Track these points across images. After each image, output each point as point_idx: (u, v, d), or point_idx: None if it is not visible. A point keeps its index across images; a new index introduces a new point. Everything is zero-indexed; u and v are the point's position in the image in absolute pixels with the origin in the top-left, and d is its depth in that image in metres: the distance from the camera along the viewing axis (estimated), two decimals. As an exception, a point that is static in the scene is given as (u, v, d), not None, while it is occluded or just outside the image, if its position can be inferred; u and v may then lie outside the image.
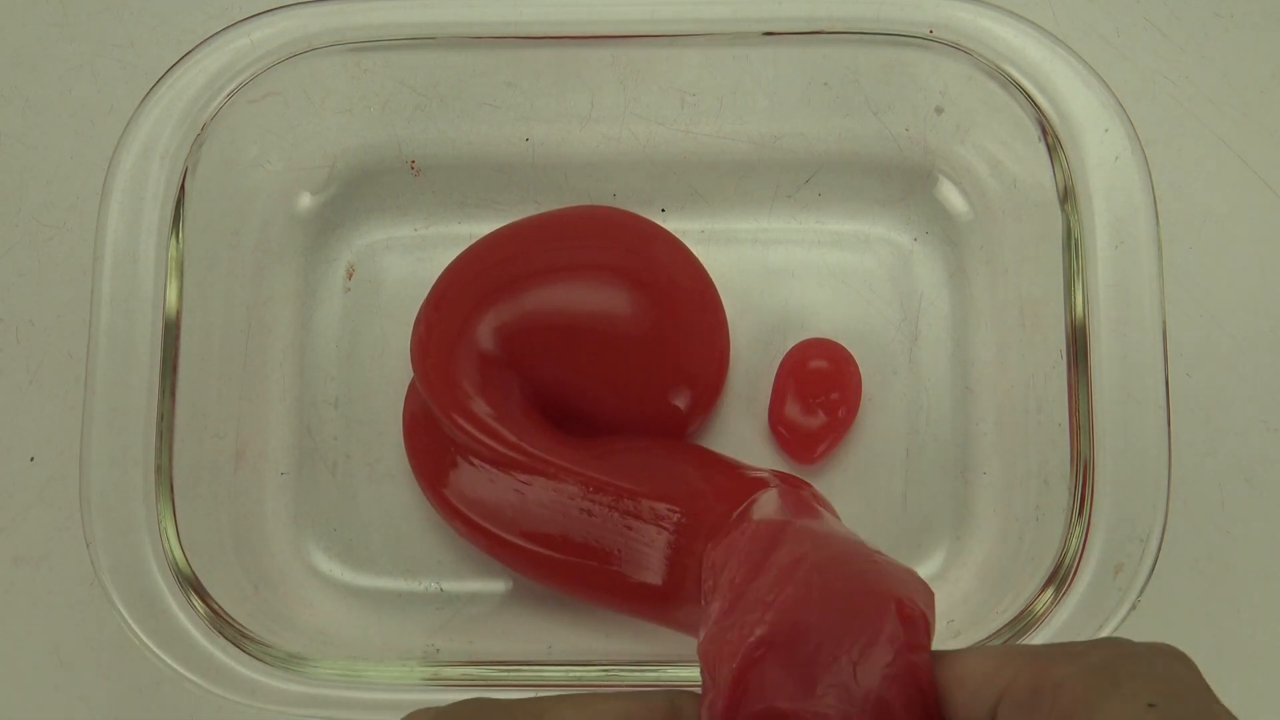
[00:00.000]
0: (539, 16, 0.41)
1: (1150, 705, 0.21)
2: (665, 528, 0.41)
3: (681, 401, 0.44)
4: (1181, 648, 0.24)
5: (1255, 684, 0.44)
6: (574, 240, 0.45)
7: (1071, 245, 0.40)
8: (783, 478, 0.42)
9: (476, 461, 0.42)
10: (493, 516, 0.42)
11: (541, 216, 0.46)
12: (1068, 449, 0.39)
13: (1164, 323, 0.39)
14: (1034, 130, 0.41)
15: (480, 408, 0.42)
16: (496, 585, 0.45)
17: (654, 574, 0.41)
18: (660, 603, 0.41)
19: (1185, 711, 0.21)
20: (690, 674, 0.39)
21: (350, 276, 0.47)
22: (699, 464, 0.43)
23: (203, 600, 0.39)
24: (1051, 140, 0.40)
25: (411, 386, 0.45)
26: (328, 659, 0.39)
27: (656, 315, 0.44)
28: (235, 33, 0.41)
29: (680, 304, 0.44)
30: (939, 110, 0.44)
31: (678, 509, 0.41)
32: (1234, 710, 0.22)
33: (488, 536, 0.42)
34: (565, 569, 0.42)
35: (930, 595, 0.28)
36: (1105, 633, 0.38)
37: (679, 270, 0.45)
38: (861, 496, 0.45)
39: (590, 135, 0.46)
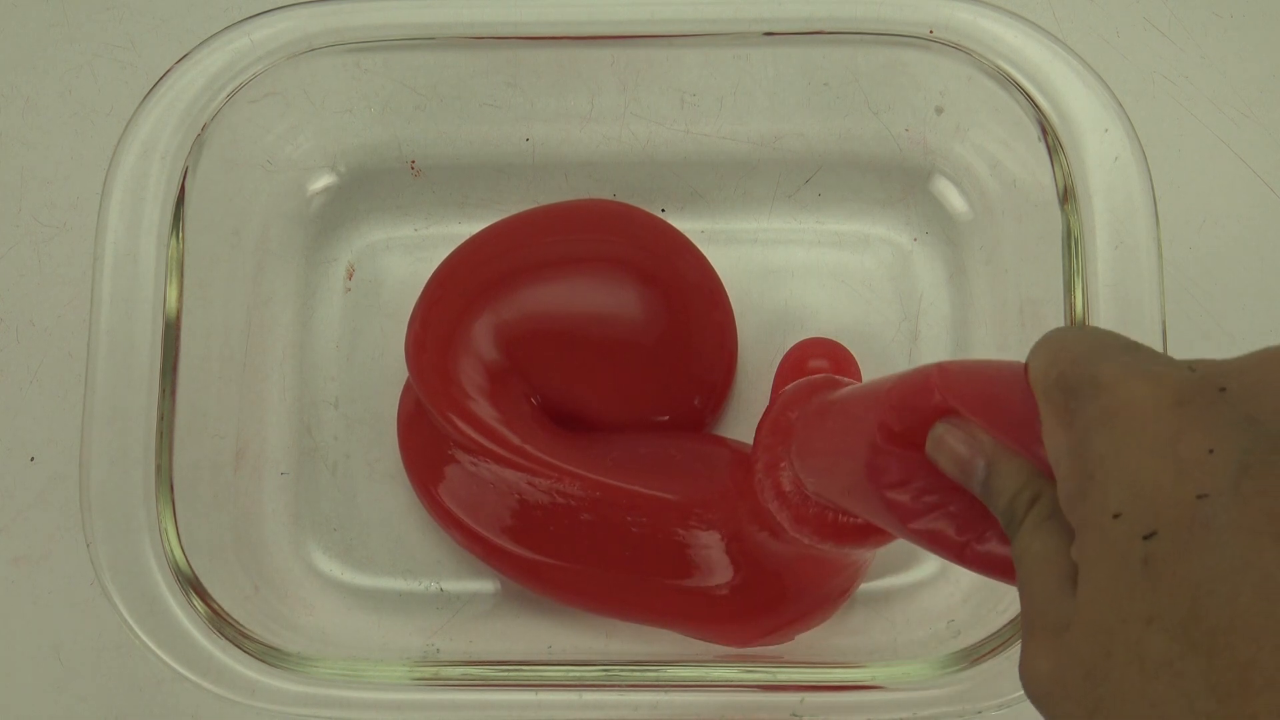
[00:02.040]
0: (539, 16, 0.41)
1: (1115, 516, 0.21)
2: (698, 529, 0.41)
3: (690, 403, 0.44)
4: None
5: (1255, 684, 0.44)
6: (576, 233, 0.45)
7: (1071, 245, 0.40)
8: None
9: (475, 465, 0.42)
10: (490, 521, 0.42)
11: (541, 209, 0.46)
12: (1068, 449, 0.39)
13: (1164, 323, 0.39)
14: (1034, 130, 0.41)
15: (480, 407, 0.42)
16: (496, 585, 0.45)
17: (695, 578, 0.41)
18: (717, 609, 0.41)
19: (1147, 521, 0.21)
20: (690, 674, 0.39)
21: (350, 276, 0.47)
22: (720, 457, 0.43)
23: (203, 600, 0.39)
24: (1051, 140, 0.40)
25: (407, 385, 0.45)
26: (328, 659, 0.39)
27: (666, 312, 0.43)
28: (235, 33, 0.41)
29: (690, 300, 0.44)
30: (939, 110, 0.44)
31: (710, 512, 0.41)
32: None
33: (484, 543, 0.42)
34: (570, 576, 0.42)
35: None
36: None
37: (687, 265, 0.45)
38: (861, 496, 0.45)
39: (590, 135, 0.46)
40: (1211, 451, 0.21)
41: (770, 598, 0.41)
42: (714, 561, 0.41)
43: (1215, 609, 0.19)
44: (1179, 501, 0.21)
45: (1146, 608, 0.20)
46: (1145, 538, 0.21)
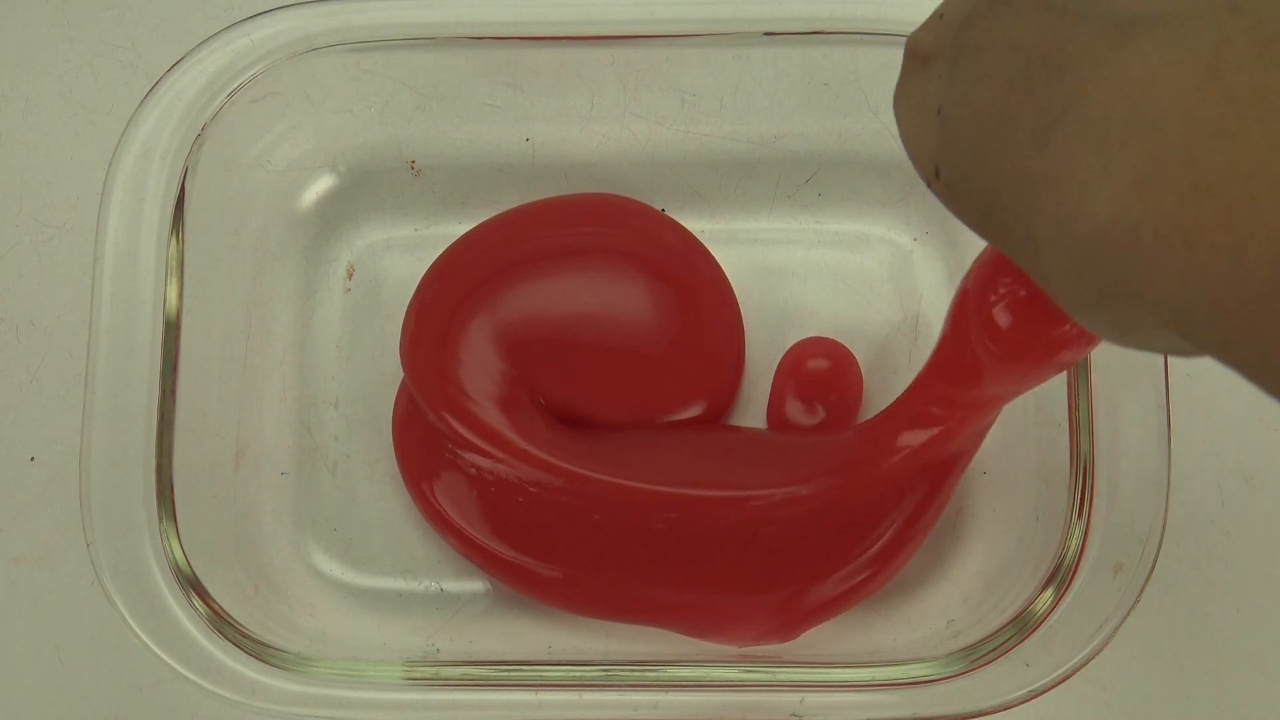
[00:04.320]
0: (539, 16, 0.41)
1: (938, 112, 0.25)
2: (762, 516, 0.40)
3: (697, 405, 0.44)
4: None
5: (1255, 684, 0.44)
6: (580, 225, 0.44)
7: (1071, 245, 0.40)
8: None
9: (476, 468, 0.42)
10: (489, 527, 0.41)
11: (542, 202, 0.45)
12: (1067, 449, 0.39)
13: (1164, 323, 0.39)
14: (1034, 130, 0.41)
15: (479, 406, 0.41)
16: (497, 585, 0.44)
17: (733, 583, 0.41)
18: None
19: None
20: (690, 674, 0.39)
21: (350, 276, 0.47)
22: (763, 445, 0.42)
23: (203, 600, 0.39)
24: (1051, 140, 0.40)
25: (403, 385, 0.44)
26: (328, 659, 0.39)
27: (677, 309, 0.43)
28: (235, 33, 0.41)
29: (700, 297, 0.43)
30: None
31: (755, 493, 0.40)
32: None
33: (480, 549, 0.42)
34: (579, 582, 0.41)
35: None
36: (1104, 634, 0.38)
37: (696, 261, 0.44)
38: (861, 496, 0.45)
39: (590, 135, 0.46)
40: None
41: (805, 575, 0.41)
42: (775, 543, 0.40)
43: None
44: None
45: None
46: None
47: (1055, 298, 0.22)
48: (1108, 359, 0.39)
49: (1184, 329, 0.18)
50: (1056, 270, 0.20)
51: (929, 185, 0.25)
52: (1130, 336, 0.21)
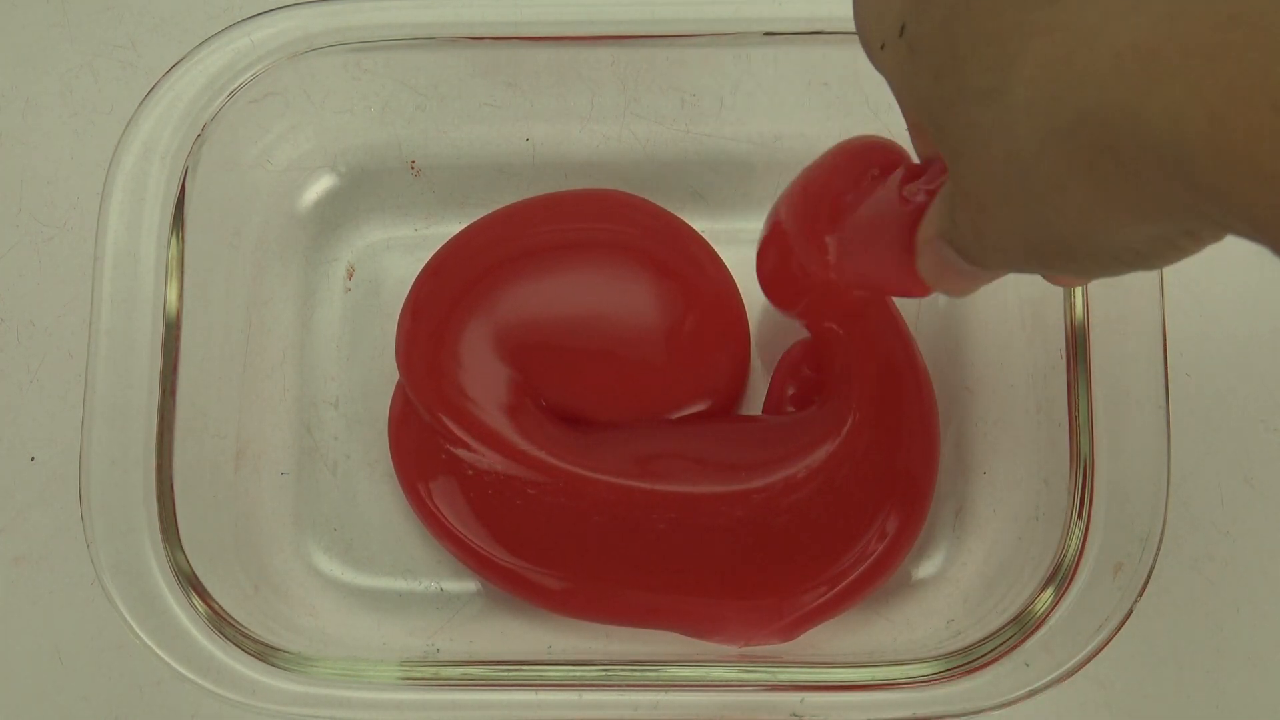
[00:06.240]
0: (539, 16, 0.41)
1: (881, 47, 0.26)
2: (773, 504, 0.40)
3: (703, 403, 0.43)
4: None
5: (1255, 684, 0.44)
6: (584, 221, 0.44)
7: (1071, 245, 0.40)
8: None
9: (472, 469, 0.41)
10: (485, 530, 0.41)
11: (544, 197, 0.45)
12: (1067, 449, 0.39)
13: (1164, 323, 0.39)
14: (1034, 130, 0.41)
15: (475, 405, 0.41)
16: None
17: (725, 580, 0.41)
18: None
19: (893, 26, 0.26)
20: (690, 673, 0.39)
21: (350, 276, 0.47)
22: (752, 439, 0.42)
23: (203, 600, 0.39)
24: (1051, 140, 0.40)
25: (399, 384, 0.44)
26: (328, 659, 0.39)
27: (684, 307, 0.42)
28: (235, 33, 0.41)
29: (705, 297, 0.43)
30: None
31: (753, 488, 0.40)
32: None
33: (476, 554, 0.41)
34: (581, 588, 0.41)
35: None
36: (1104, 634, 0.38)
37: (702, 259, 0.44)
38: (861, 496, 0.45)
39: (590, 135, 0.46)
40: None
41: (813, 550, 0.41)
42: (781, 531, 0.40)
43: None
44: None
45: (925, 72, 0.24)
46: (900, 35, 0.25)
47: (1000, 152, 0.23)
48: (1108, 359, 0.39)
49: (1186, 150, 0.19)
50: (1023, 110, 0.21)
51: (882, 48, 0.26)
52: (1064, 199, 0.22)
